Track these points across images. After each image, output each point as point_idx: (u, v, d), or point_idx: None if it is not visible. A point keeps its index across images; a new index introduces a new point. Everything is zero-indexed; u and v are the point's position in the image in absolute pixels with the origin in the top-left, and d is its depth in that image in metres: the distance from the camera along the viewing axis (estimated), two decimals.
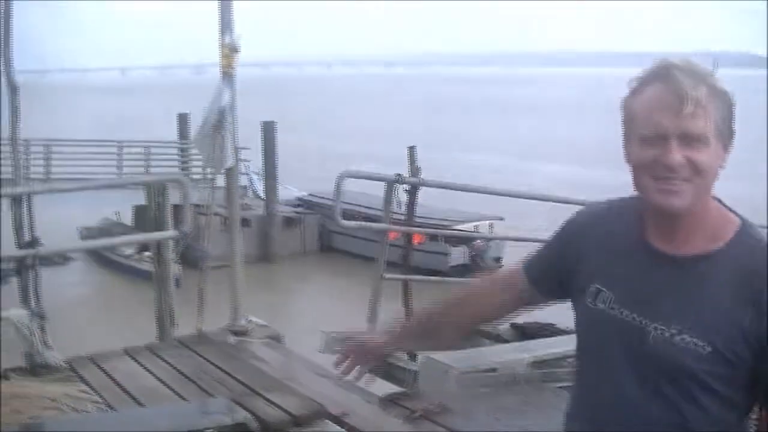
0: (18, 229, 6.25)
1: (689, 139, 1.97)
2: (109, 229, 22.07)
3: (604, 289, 2.16)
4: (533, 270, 2.44)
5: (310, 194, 27.34)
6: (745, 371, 2.01)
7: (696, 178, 1.99)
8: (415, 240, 9.33)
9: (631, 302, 2.10)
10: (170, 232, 6.93)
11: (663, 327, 2.03)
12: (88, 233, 21.92)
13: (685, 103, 1.94)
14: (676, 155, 1.96)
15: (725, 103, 2.02)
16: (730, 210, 2.14)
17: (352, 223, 7.89)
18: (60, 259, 20.66)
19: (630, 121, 2.08)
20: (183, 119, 29.06)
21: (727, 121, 2.03)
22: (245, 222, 19.54)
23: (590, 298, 2.19)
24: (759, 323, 1.97)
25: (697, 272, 2.05)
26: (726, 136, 2.04)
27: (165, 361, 6.20)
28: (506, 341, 7.33)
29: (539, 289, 2.42)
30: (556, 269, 2.35)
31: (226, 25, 6.63)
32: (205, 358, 6.25)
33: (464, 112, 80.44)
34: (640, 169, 2.05)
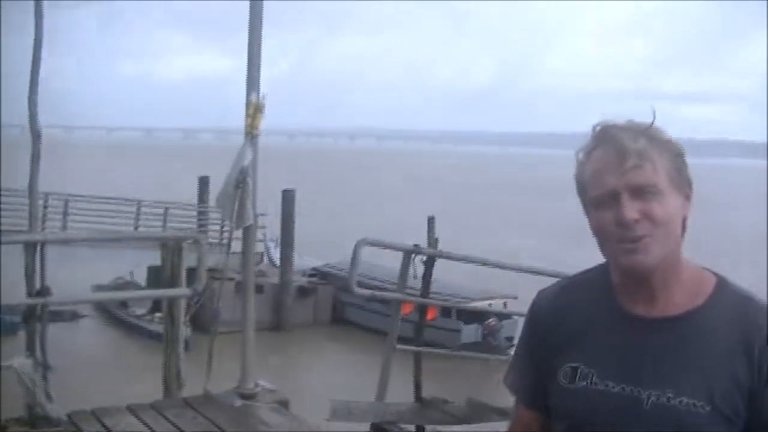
0: (29, 277, 6.20)
1: (639, 192, 1.94)
2: (122, 288, 21.99)
3: (581, 366, 2.07)
4: (526, 394, 2.29)
5: (326, 265, 27.28)
6: (740, 427, 1.96)
7: (656, 231, 1.94)
8: (429, 315, 9.23)
9: (616, 374, 2.02)
10: (183, 290, 6.88)
11: (658, 392, 1.96)
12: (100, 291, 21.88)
13: (625, 157, 1.93)
14: (629, 210, 1.92)
15: (672, 151, 1.99)
16: (704, 268, 2.11)
17: (366, 292, 7.82)
18: (70, 315, 20.61)
19: (583, 190, 2.05)
20: (203, 182, 29.20)
21: (680, 170, 2.00)
22: (259, 289, 19.42)
23: (565, 379, 2.10)
24: (751, 373, 1.94)
25: (683, 332, 2.00)
26: (683, 185, 2.01)
27: (168, 420, 6.12)
28: None
29: (541, 411, 2.23)
30: (539, 372, 2.21)
31: (252, 84, 6.64)
32: (209, 420, 6.16)
33: (487, 192, 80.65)
34: (601, 235, 2.01)
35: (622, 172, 1.93)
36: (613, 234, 1.96)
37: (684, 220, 2.03)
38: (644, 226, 1.93)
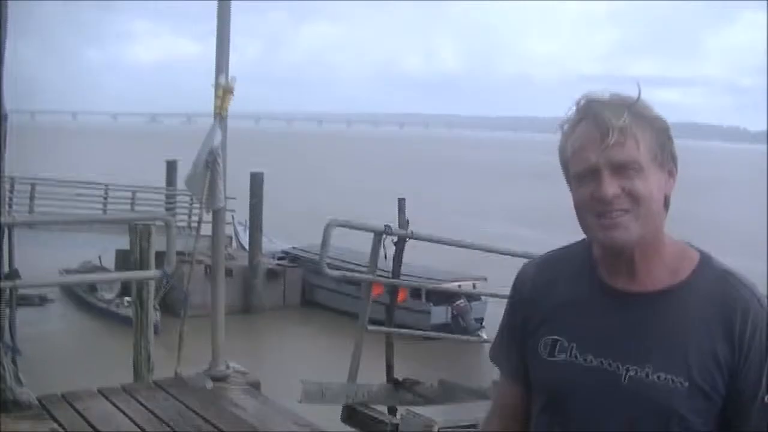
0: None
1: (621, 168, 1.93)
2: (91, 273, 21.82)
3: (561, 339, 2.08)
4: (510, 368, 2.29)
5: (294, 247, 27.23)
6: (719, 403, 1.97)
7: (636, 207, 1.94)
8: (399, 297, 9.23)
9: (596, 347, 2.03)
10: (153, 272, 6.85)
11: (637, 367, 1.97)
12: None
13: (608, 134, 1.91)
14: (609, 186, 1.92)
15: (657, 128, 1.99)
16: (688, 244, 2.11)
17: (337, 273, 7.80)
18: (38, 300, 20.45)
19: (566, 164, 2.05)
20: (171, 166, 29.01)
21: (664, 146, 1.99)
22: (228, 272, 19.29)
23: (546, 351, 2.10)
24: (731, 351, 1.95)
25: (663, 307, 2.01)
26: (666, 160, 2.01)
27: (140, 402, 6.08)
28: (488, 397, 7.23)
29: (524, 383, 2.23)
30: (522, 345, 2.21)
31: (221, 67, 6.61)
32: (181, 402, 6.13)
33: (457, 175, 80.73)
34: (581, 209, 2.01)
35: (604, 148, 1.92)
36: (592, 209, 1.96)
37: (667, 197, 2.03)
38: (624, 202, 1.93)
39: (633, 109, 1.95)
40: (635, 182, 1.93)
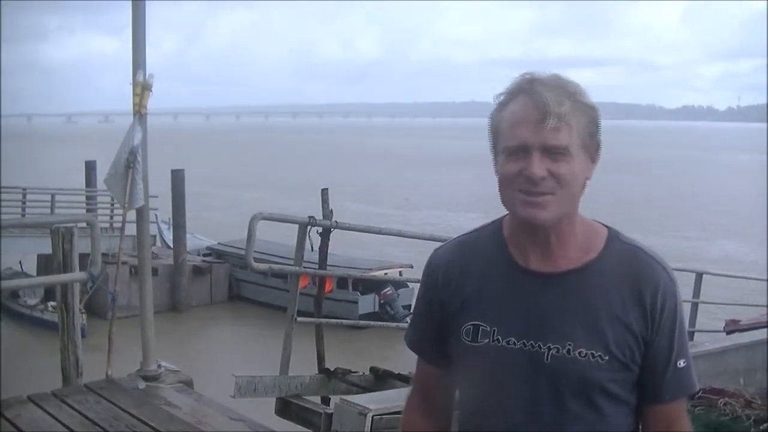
0: None
1: (552, 152, 1.99)
2: (12, 279, 21.43)
3: (483, 324, 2.12)
4: (426, 351, 2.35)
5: (219, 243, 27.14)
6: (637, 372, 2.08)
7: (559, 190, 2.01)
8: (326, 288, 9.24)
9: (517, 330, 2.08)
10: (79, 274, 6.75)
11: (558, 345, 2.05)
12: None
13: (547, 118, 1.97)
14: (538, 168, 1.98)
15: (590, 116, 2.06)
16: (595, 221, 2.20)
17: (264, 266, 7.78)
18: None
19: (496, 134, 2.10)
20: (90, 167, 28.61)
21: (593, 135, 2.07)
22: (153, 271, 19.12)
23: (467, 337, 2.14)
24: (645, 322, 2.05)
25: (578, 285, 2.08)
26: (592, 148, 2.08)
27: (72, 407, 6.00)
28: None
29: (441, 366, 2.29)
30: (438, 329, 2.26)
31: (138, 64, 6.54)
32: (114, 404, 6.07)
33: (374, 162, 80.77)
34: (505, 182, 2.06)
35: (540, 131, 1.98)
36: (518, 185, 2.02)
37: (586, 181, 2.09)
38: (549, 184, 2.00)
39: (573, 97, 2.01)
40: (562, 166, 2.00)
